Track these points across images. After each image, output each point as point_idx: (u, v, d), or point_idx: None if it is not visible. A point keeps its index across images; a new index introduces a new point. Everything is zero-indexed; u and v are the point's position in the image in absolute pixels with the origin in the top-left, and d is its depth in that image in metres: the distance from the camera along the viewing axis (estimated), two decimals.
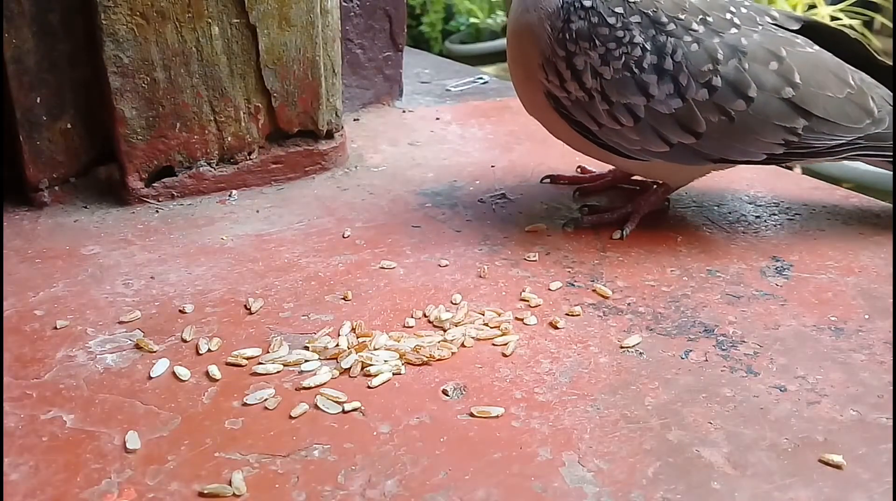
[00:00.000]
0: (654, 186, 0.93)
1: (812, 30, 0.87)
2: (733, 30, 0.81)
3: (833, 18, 2.39)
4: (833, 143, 0.82)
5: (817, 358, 0.67)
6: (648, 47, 0.79)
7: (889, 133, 0.83)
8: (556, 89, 0.82)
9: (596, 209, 0.93)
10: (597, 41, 0.79)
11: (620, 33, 0.79)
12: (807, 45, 0.84)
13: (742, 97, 0.80)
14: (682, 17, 0.80)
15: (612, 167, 1.00)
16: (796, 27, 0.86)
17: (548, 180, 1.03)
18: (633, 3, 0.80)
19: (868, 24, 2.59)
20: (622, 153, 0.85)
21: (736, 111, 0.80)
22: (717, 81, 0.79)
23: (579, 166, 1.06)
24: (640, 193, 0.96)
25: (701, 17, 0.80)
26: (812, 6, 2.41)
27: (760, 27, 0.83)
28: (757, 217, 0.93)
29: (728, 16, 0.82)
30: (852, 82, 0.83)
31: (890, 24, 2.52)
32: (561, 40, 0.80)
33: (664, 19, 0.80)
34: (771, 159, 0.84)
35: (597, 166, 1.03)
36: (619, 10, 0.79)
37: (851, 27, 2.38)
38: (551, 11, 0.81)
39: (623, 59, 0.79)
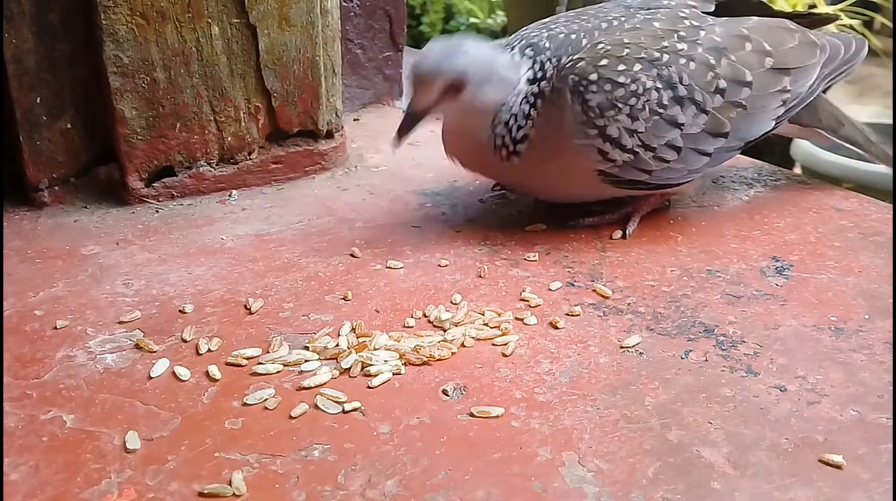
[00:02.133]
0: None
1: (725, 6, 0.92)
2: (702, 32, 0.86)
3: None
4: (809, 82, 0.90)
5: (817, 358, 0.67)
6: (660, 86, 0.82)
7: (837, 56, 0.93)
8: (602, 164, 0.83)
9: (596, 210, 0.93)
10: (619, 104, 0.81)
11: (634, 87, 0.82)
12: (747, 19, 0.90)
13: (745, 85, 0.86)
14: (667, 44, 0.84)
15: None
16: (711, 8, 0.92)
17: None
18: (627, 55, 0.82)
19: (868, 24, 2.59)
20: (672, 185, 0.89)
21: (744, 99, 0.86)
22: (723, 83, 0.85)
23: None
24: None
25: (675, 36, 0.85)
26: (812, 6, 2.41)
27: (709, 20, 0.88)
28: (757, 217, 0.93)
29: (686, 23, 0.87)
30: (793, 27, 0.92)
31: (890, 24, 2.52)
32: (588, 121, 0.82)
33: (657, 54, 0.83)
34: (778, 123, 0.90)
35: None
36: (622, 66, 0.82)
37: (851, 27, 2.38)
38: (565, 104, 0.82)
39: (646, 107, 0.82)
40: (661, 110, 0.82)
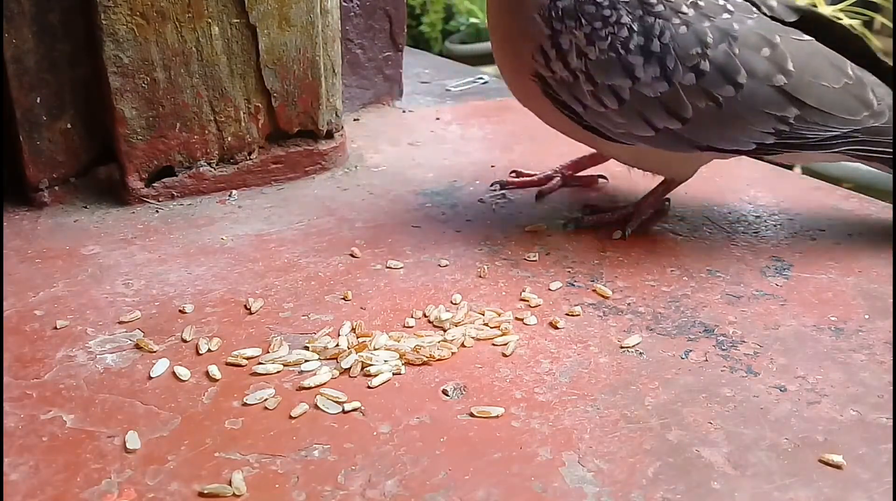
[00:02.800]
0: (654, 188, 0.92)
1: (811, 22, 0.85)
2: (725, 15, 0.79)
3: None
4: (827, 135, 0.80)
5: (817, 358, 0.67)
6: (636, 28, 0.78)
7: (888, 128, 0.80)
8: (542, 69, 0.81)
9: (597, 209, 0.93)
10: (583, 20, 0.78)
11: (607, 12, 0.78)
12: (803, 35, 0.82)
13: (731, 83, 0.78)
14: (675, 1, 0.79)
15: (559, 166, 1.01)
16: (794, 19, 0.84)
17: (497, 187, 1.00)
18: None
19: (868, 24, 2.59)
20: (607, 137, 0.84)
21: (724, 97, 0.78)
22: (706, 66, 0.77)
23: (513, 171, 1.03)
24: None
25: (692, 1, 0.79)
26: (812, 6, 2.41)
27: (755, 15, 0.81)
28: (757, 217, 0.93)
29: (721, 1, 0.80)
30: (851, 73, 0.81)
31: (890, 24, 2.52)
32: (547, 18, 0.79)
33: (655, 1, 0.78)
34: (761, 149, 0.82)
35: (538, 168, 1.03)
36: None
37: (851, 27, 2.38)
38: None
39: (609, 39, 0.78)
40: (621, 51, 0.78)
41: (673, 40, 0.77)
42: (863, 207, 0.95)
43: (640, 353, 0.68)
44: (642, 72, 0.78)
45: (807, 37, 0.82)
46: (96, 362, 0.67)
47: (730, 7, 0.80)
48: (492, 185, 1.01)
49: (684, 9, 0.78)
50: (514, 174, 1.03)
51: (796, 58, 0.79)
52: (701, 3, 0.79)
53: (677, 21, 0.78)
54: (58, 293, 0.77)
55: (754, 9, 0.82)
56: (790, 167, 2.08)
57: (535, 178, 1.01)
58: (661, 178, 0.91)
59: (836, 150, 0.82)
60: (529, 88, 0.85)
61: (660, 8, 0.78)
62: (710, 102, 0.78)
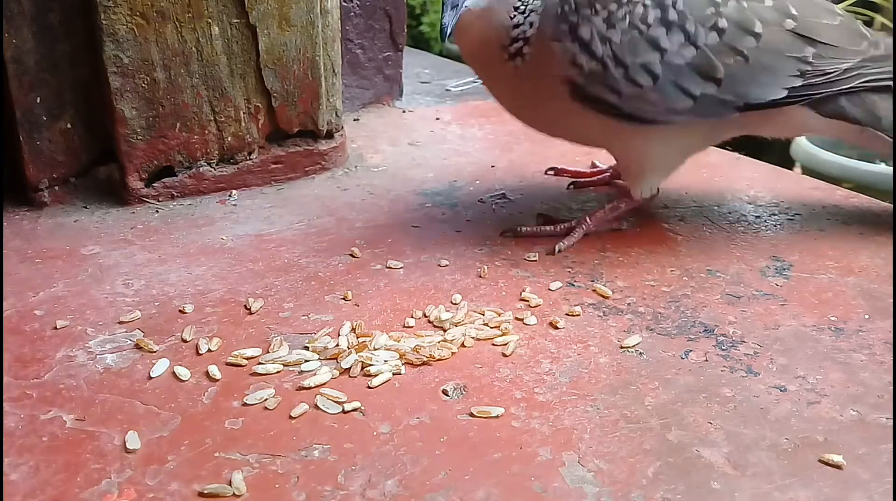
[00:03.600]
0: (607, 205, 0.90)
1: None
2: None
3: None
4: (843, 66, 0.83)
5: (817, 358, 0.67)
6: (648, 2, 0.78)
7: (888, 55, 0.85)
8: (570, 69, 0.80)
9: (548, 219, 0.91)
10: (596, 5, 0.78)
11: None
12: None
13: (750, 34, 0.80)
14: None
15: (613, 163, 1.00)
16: None
17: (552, 172, 1.04)
18: None
19: (868, 23, 2.59)
20: (648, 120, 0.82)
21: (748, 49, 0.80)
22: (723, 23, 0.79)
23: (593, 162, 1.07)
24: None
25: None
26: None
27: None
28: (757, 217, 0.93)
29: None
30: (839, 11, 0.86)
31: (890, 24, 2.52)
32: (562, 15, 0.78)
33: None
34: (793, 95, 0.83)
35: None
36: None
37: None
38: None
39: (627, 18, 0.78)
40: (642, 27, 0.78)
41: (686, 5, 0.79)
42: (863, 207, 0.95)
43: (640, 353, 0.68)
44: (668, 42, 0.79)
45: None
46: (96, 362, 0.67)
47: None
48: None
49: None
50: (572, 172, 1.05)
51: (794, 3, 0.83)
52: None
53: None
54: (58, 293, 0.77)
55: None
56: (790, 167, 2.08)
57: (592, 173, 1.04)
58: (614, 197, 0.91)
59: (854, 87, 0.84)
60: (558, 107, 0.84)
61: None
62: (738, 56, 0.80)
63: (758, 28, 0.80)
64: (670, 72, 0.79)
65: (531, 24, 0.80)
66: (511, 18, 0.81)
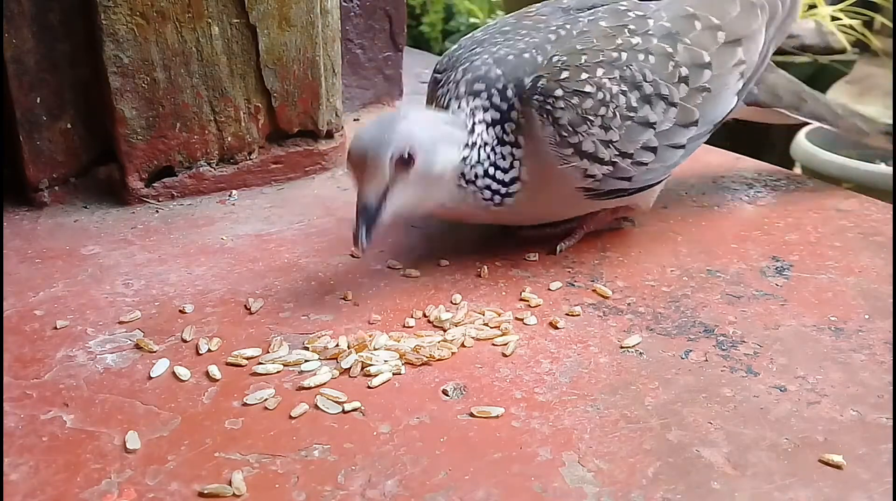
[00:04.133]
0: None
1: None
2: (650, 21, 0.82)
3: (833, 18, 2.39)
4: (760, 48, 0.88)
5: (817, 358, 0.67)
6: (626, 88, 0.78)
7: (788, 16, 0.92)
8: (584, 181, 0.79)
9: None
10: (589, 117, 0.76)
11: (601, 94, 0.77)
12: None
13: (705, 67, 0.83)
14: (620, 41, 0.80)
15: None
16: None
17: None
18: (586, 62, 0.77)
19: (868, 23, 2.59)
20: (650, 186, 0.84)
21: (707, 82, 0.83)
22: (684, 71, 0.81)
23: None
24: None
25: (626, 31, 0.81)
26: (812, 6, 2.41)
27: (648, 8, 0.85)
28: (757, 217, 0.93)
29: (631, 15, 0.83)
30: None
31: (890, 24, 2.52)
32: (563, 141, 0.76)
33: (615, 54, 0.78)
34: (739, 99, 0.88)
35: None
36: (584, 75, 0.77)
37: (851, 27, 2.38)
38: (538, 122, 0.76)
39: (617, 114, 0.77)
40: (631, 114, 0.78)
41: (653, 73, 0.80)
42: (863, 207, 0.95)
43: (640, 353, 0.68)
44: (655, 115, 0.80)
45: None
46: (96, 362, 0.67)
47: (639, 12, 0.84)
48: None
49: (633, 41, 0.80)
50: None
51: (712, 11, 0.86)
52: (632, 27, 0.81)
53: (641, 56, 0.80)
54: (58, 293, 0.77)
55: (636, 2, 0.87)
56: (790, 167, 2.08)
57: None
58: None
59: (768, 62, 0.92)
60: (569, 206, 0.84)
61: (624, 55, 0.79)
62: (703, 93, 0.83)
63: (707, 58, 0.83)
64: (664, 138, 0.81)
65: (507, 166, 0.77)
66: (473, 185, 0.77)
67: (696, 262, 0.83)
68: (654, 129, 0.80)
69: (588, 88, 0.77)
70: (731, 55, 0.85)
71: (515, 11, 0.91)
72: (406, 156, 0.71)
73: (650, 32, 0.81)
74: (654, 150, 0.80)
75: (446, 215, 0.83)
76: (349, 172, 0.73)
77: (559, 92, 0.76)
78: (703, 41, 0.83)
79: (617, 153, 0.78)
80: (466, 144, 0.76)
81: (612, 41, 0.80)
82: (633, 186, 0.82)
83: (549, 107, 0.76)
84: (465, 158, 0.76)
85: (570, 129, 0.76)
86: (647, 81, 0.79)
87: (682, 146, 0.83)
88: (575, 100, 0.76)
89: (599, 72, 0.77)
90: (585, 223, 0.87)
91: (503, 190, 0.78)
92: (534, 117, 0.76)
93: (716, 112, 0.85)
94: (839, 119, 0.99)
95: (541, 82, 0.76)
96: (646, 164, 0.80)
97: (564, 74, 0.77)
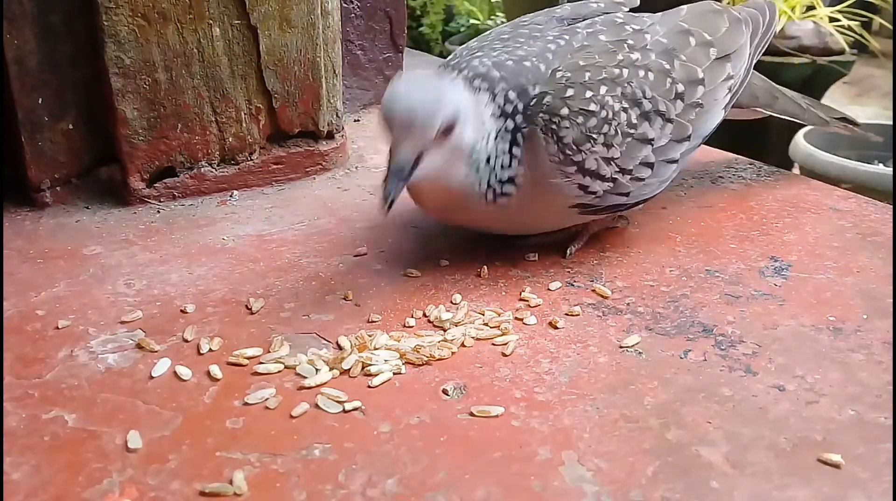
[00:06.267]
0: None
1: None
2: (647, 36, 0.84)
3: (832, 19, 2.39)
4: (745, 63, 0.90)
5: (816, 358, 0.67)
6: (627, 105, 0.78)
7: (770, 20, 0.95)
8: (583, 198, 0.79)
9: None
10: (593, 135, 0.77)
11: (604, 113, 0.77)
12: (679, 9, 0.90)
13: (699, 83, 0.84)
14: (621, 57, 0.80)
15: None
16: (636, 3, 0.93)
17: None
18: (590, 79, 0.78)
19: (866, 25, 2.59)
20: (645, 200, 0.85)
21: (700, 97, 0.84)
22: (681, 87, 0.82)
23: None
24: None
25: (626, 46, 0.81)
26: (810, 7, 2.42)
27: (644, 22, 0.86)
28: (756, 217, 0.93)
29: (628, 29, 0.84)
30: (719, 7, 0.91)
31: (889, 26, 2.52)
32: (566, 159, 0.77)
33: (616, 71, 0.79)
34: (725, 112, 0.89)
35: None
36: (589, 93, 0.77)
37: (850, 28, 2.38)
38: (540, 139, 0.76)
39: (619, 132, 0.78)
40: (631, 131, 0.78)
41: (652, 90, 0.80)
42: (861, 207, 0.96)
43: (640, 353, 0.68)
44: (653, 131, 0.80)
45: (683, 9, 0.90)
46: (98, 361, 0.67)
47: (636, 26, 0.85)
48: None
49: (633, 57, 0.81)
50: None
51: (705, 28, 0.87)
52: (631, 42, 0.82)
53: (642, 73, 0.80)
54: (59, 293, 0.77)
55: (630, 14, 0.89)
56: (789, 167, 2.08)
57: None
58: None
59: (751, 72, 0.93)
60: (561, 218, 0.84)
61: (625, 72, 0.79)
62: (697, 108, 0.84)
63: (700, 74, 0.84)
64: (661, 154, 0.82)
65: (507, 162, 0.77)
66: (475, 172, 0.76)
67: (694, 262, 0.83)
68: (652, 145, 0.81)
69: (593, 107, 0.77)
70: (722, 71, 0.86)
71: (516, 15, 0.92)
72: (450, 125, 0.71)
73: (648, 48, 0.82)
74: (651, 166, 0.81)
75: (444, 215, 0.84)
76: (385, 126, 0.71)
77: (565, 111, 0.76)
78: (697, 57, 0.85)
79: (618, 170, 0.79)
80: (482, 131, 0.76)
81: (613, 57, 0.80)
82: (630, 201, 0.83)
83: (554, 126, 0.76)
84: (475, 144, 0.76)
85: (575, 147, 0.76)
86: (646, 98, 0.80)
87: (676, 161, 0.84)
88: (580, 119, 0.76)
89: (603, 89, 0.78)
90: (589, 226, 0.87)
91: (499, 188, 0.77)
92: (537, 134, 0.76)
93: (706, 126, 0.86)
94: (804, 112, 1.01)
95: (546, 99, 0.76)
96: (643, 179, 0.81)
97: (570, 92, 0.77)
